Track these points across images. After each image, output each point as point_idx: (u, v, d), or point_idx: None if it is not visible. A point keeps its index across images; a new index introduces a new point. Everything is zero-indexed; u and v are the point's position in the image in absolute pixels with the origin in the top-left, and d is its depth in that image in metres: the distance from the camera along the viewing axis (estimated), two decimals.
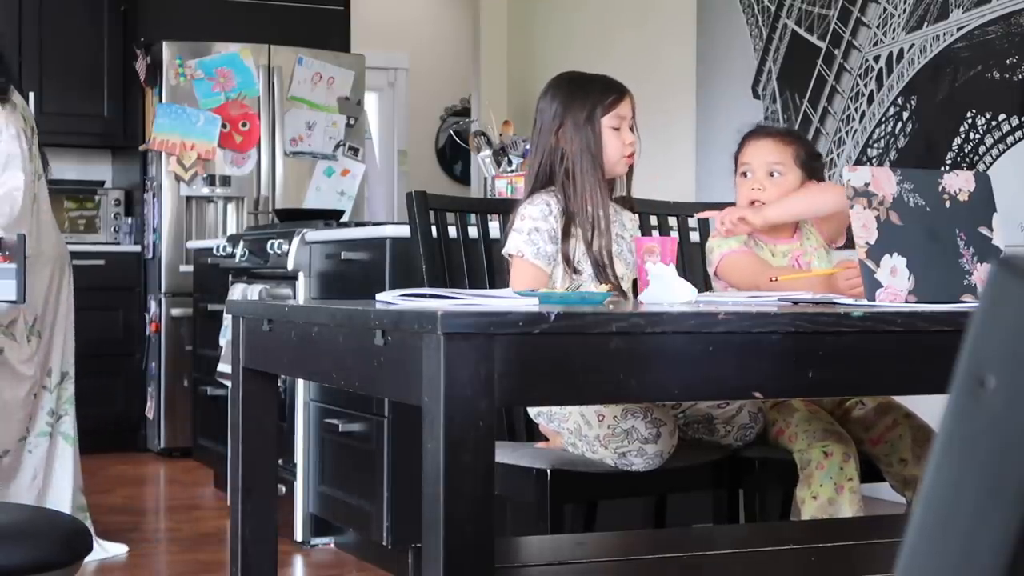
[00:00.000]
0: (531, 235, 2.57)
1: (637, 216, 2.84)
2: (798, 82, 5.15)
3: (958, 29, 4.42)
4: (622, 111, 2.65)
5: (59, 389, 3.83)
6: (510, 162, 4.54)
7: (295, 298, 4.05)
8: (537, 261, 2.56)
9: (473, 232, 2.86)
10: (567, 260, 2.59)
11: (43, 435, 3.80)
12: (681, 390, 1.78)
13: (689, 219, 3.14)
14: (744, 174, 2.73)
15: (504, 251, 2.63)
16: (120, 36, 6.44)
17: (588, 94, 2.65)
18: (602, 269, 2.59)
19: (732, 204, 2.86)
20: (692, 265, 2.99)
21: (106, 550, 3.90)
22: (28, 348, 3.71)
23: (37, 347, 3.75)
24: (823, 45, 5.03)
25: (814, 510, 2.51)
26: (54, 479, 3.82)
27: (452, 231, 2.83)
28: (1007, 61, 4.24)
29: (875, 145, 4.77)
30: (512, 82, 7.14)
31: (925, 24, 4.56)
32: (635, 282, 2.64)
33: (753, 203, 2.71)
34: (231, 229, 6.08)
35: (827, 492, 2.51)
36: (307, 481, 4.00)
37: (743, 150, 2.77)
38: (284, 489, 3.98)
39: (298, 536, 4.01)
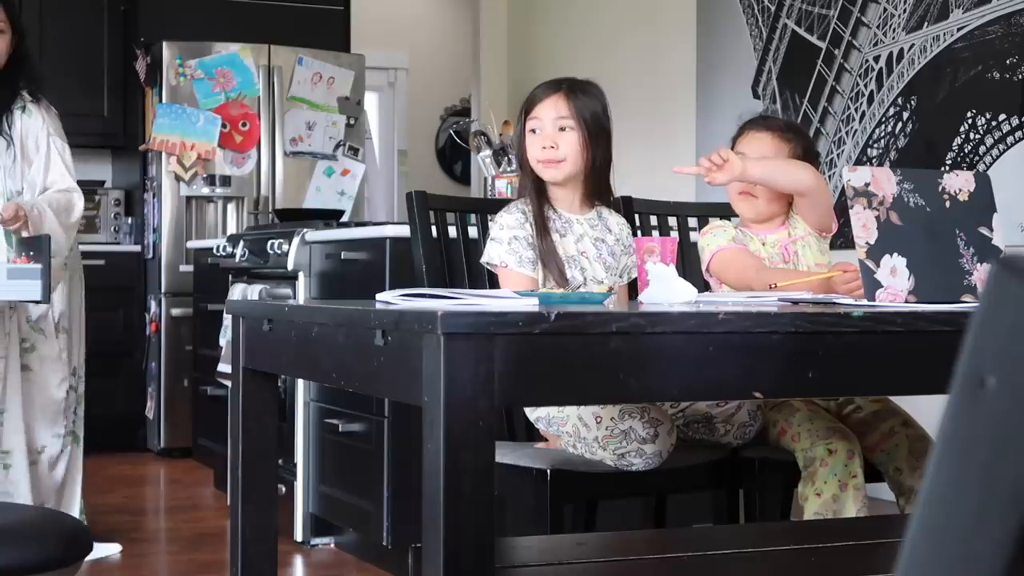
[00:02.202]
0: (511, 244, 2.58)
1: (625, 223, 2.81)
2: (798, 82, 5.15)
3: (958, 29, 4.42)
4: (536, 113, 2.61)
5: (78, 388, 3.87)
6: (510, 162, 4.54)
7: (295, 298, 4.05)
8: (522, 269, 2.56)
9: (473, 232, 2.86)
10: (543, 262, 2.59)
11: (69, 433, 3.82)
12: (681, 390, 1.78)
13: (689, 219, 3.14)
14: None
15: (484, 260, 2.62)
16: (120, 36, 6.44)
17: (526, 99, 2.66)
18: (551, 271, 2.58)
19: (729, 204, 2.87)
20: (692, 265, 2.99)
21: (96, 550, 3.91)
22: (58, 343, 3.75)
23: (66, 343, 3.78)
24: (823, 45, 5.03)
25: (817, 507, 2.50)
26: (74, 478, 3.85)
27: (452, 231, 2.83)
28: (1007, 61, 4.24)
29: (875, 145, 4.77)
30: (512, 82, 7.14)
31: (925, 24, 4.56)
32: (635, 282, 2.64)
33: (742, 194, 2.72)
34: (231, 229, 6.08)
35: (831, 489, 2.50)
36: (307, 481, 4.00)
37: (741, 139, 2.76)
38: (284, 489, 3.98)
39: (298, 536, 4.02)
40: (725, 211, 3.09)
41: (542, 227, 2.58)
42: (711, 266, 2.70)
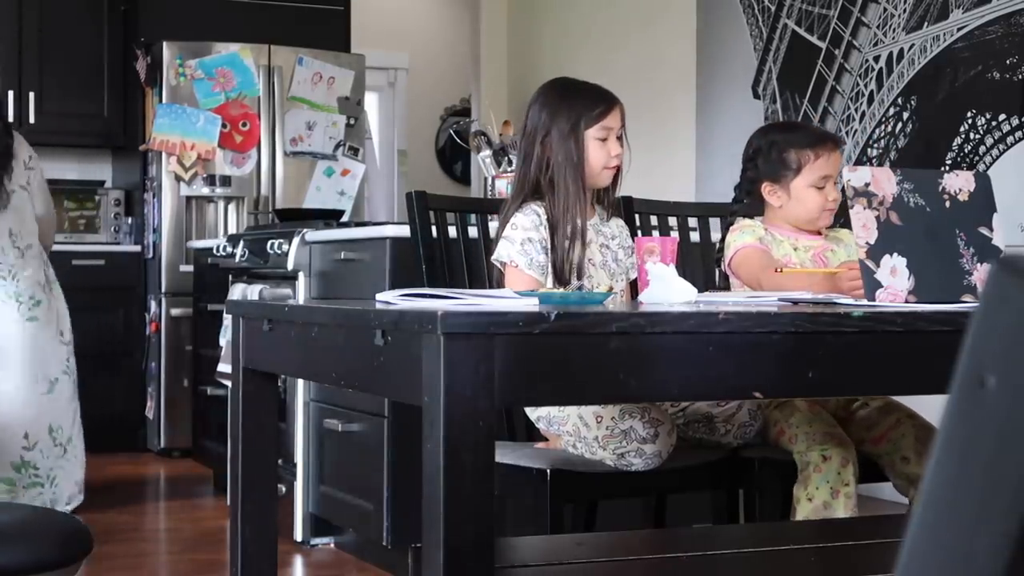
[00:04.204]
0: (524, 245, 2.58)
1: (623, 223, 2.82)
2: (798, 82, 5.15)
3: (958, 29, 4.42)
4: (609, 122, 2.64)
5: None
6: (510, 162, 4.54)
7: (295, 298, 4.05)
8: (531, 272, 2.56)
9: (473, 232, 2.86)
10: (554, 269, 2.59)
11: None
12: (681, 390, 1.78)
13: (689, 219, 3.14)
14: (821, 187, 2.72)
15: (494, 258, 2.63)
16: (120, 36, 6.44)
17: (575, 104, 2.64)
18: (577, 279, 2.60)
19: (730, 203, 2.86)
20: (692, 265, 2.99)
21: None
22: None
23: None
24: (823, 45, 5.03)
25: (808, 511, 2.51)
26: None
27: (452, 231, 2.83)
28: (1007, 61, 4.24)
29: (875, 145, 4.77)
30: (512, 82, 7.14)
31: (925, 24, 4.56)
32: (635, 282, 2.64)
33: (828, 209, 2.73)
34: (231, 229, 6.08)
35: (823, 495, 2.51)
36: (307, 481, 4.00)
37: (819, 160, 2.71)
38: (284, 489, 3.98)
39: (298, 536, 4.01)
40: (726, 211, 3.09)
41: (583, 235, 2.61)
42: (731, 263, 2.71)
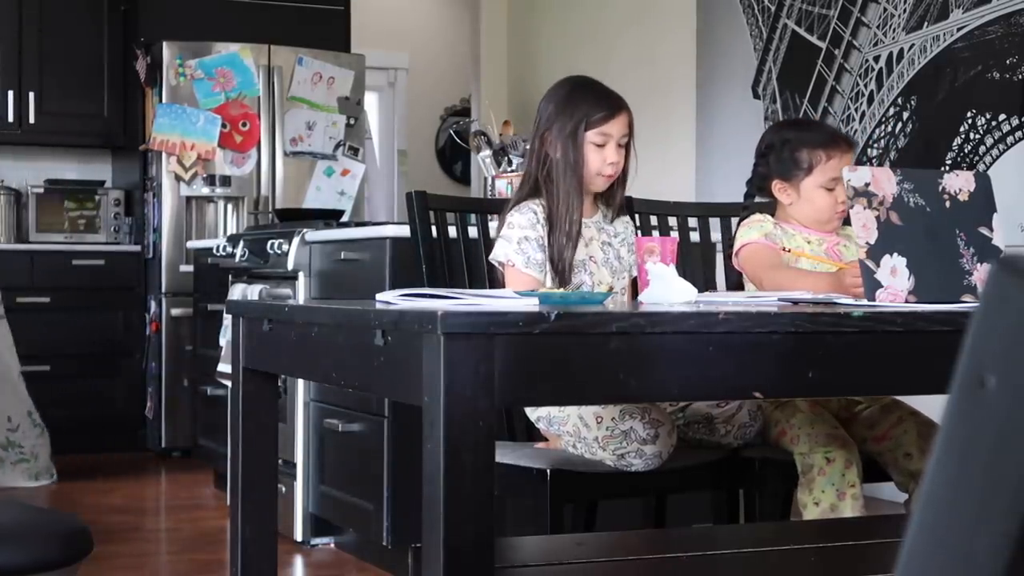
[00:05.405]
0: (520, 244, 2.58)
1: (629, 220, 2.82)
2: (798, 82, 5.15)
3: (958, 29, 4.42)
4: (608, 129, 2.62)
5: None
6: (510, 162, 4.54)
7: (295, 298, 4.05)
8: (529, 270, 2.56)
9: (473, 232, 2.86)
10: (552, 265, 2.59)
11: None
12: (681, 390, 1.78)
13: (689, 219, 3.14)
14: (831, 188, 2.68)
15: (491, 257, 2.63)
16: (120, 36, 6.44)
17: (580, 105, 2.63)
18: (563, 276, 2.60)
19: (743, 199, 2.86)
20: (692, 265, 2.99)
21: None
22: None
23: None
24: (823, 45, 5.03)
25: (816, 515, 2.50)
26: None
27: (452, 231, 2.83)
28: (1007, 61, 4.24)
29: (875, 145, 4.77)
30: (512, 82, 7.14)
31: (925, 24, 4.56)
32: (635, 282, 2.65)
33: (840, 212, 2.71)
34: (231, 229, 6.08)
35: (829, 498, 2.50)
36: (307, 481, 4.00)
37: (831, 161, 2.67)
38: (284, 489, 3.98)
39: (298, 536, 4.02)
40: (726, 211, 3.09)
41: (577, 234, 2.60)
42: (739, 257, 2.71)
